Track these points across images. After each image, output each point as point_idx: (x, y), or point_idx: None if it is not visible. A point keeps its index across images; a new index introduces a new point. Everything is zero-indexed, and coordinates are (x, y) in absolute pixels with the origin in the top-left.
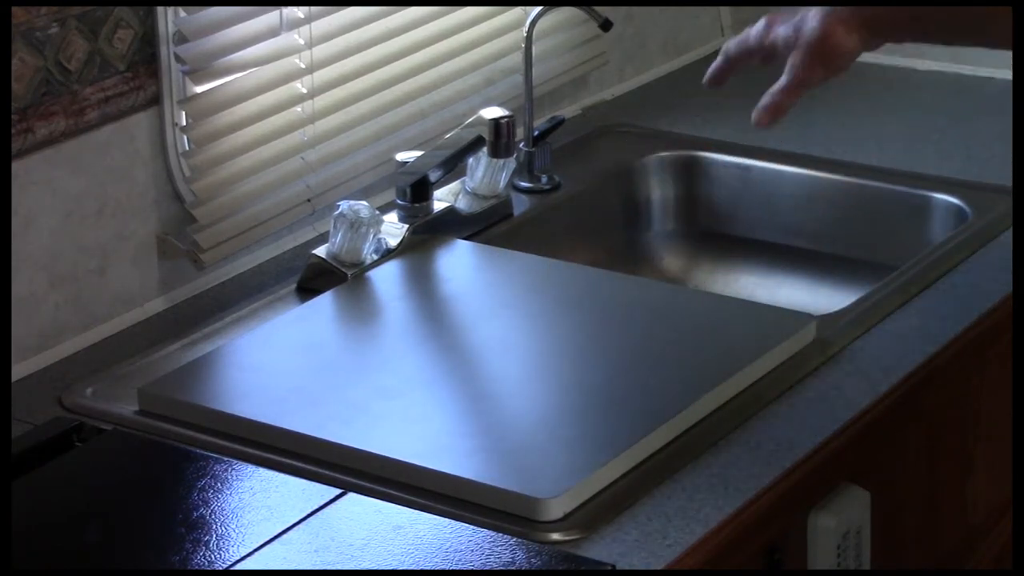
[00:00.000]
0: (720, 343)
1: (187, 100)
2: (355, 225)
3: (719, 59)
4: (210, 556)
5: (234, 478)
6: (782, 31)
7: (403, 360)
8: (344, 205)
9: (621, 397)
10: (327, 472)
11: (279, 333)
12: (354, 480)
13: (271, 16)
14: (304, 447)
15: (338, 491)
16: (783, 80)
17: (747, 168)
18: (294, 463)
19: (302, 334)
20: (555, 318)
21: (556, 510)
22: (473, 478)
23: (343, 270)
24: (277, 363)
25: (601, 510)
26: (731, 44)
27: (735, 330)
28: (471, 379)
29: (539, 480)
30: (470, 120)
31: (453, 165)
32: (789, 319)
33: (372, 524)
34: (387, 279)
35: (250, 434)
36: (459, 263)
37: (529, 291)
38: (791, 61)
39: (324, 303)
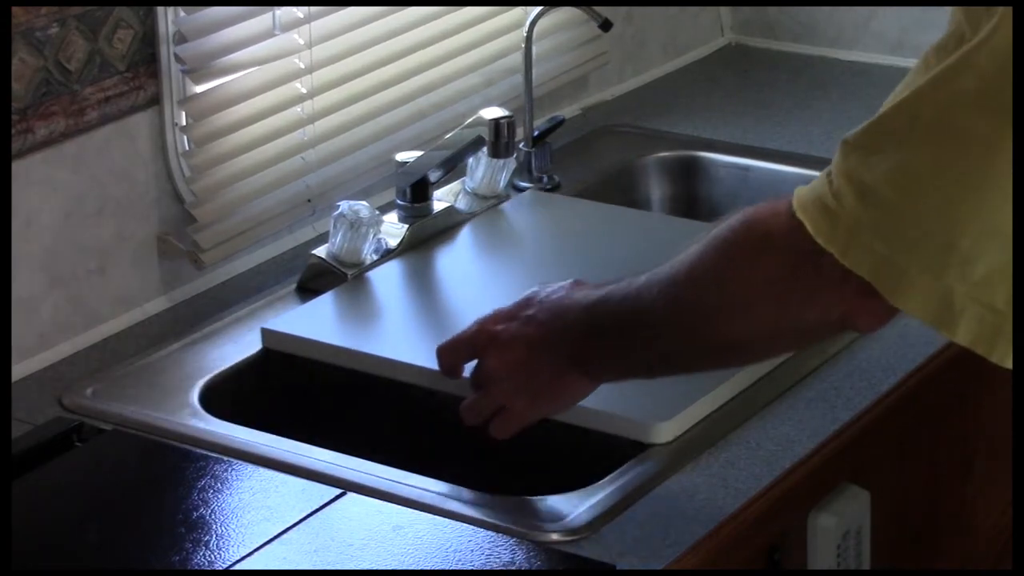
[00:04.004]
0: None
1: (187, 100)
2: (355, 225)
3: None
4: (210, 556)
5: (234, 478)
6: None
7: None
8: (344, 205)
9: None
10: (326, 472)
11: (396, 271)
12: (354, 480)
13: (271, 16)
14: (427, 379)
15: (338, 491)
16: (496, 423)
17: (747, 168)
18: (293, 465)
19: (424, 272)
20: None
21: (667, 433)
22: (593, 407)
23: (343, 270)
24: (397, 301)
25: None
26: (441, 350)
27: None
28: None
29: (652, 407)
30: (470, 120)
31: (453, 165)
32: None
33: (372, 524)
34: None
35: (373, 368)
36: (536, 216)
37: (609, 240)
38: (505, 398)
39: (431, 252)
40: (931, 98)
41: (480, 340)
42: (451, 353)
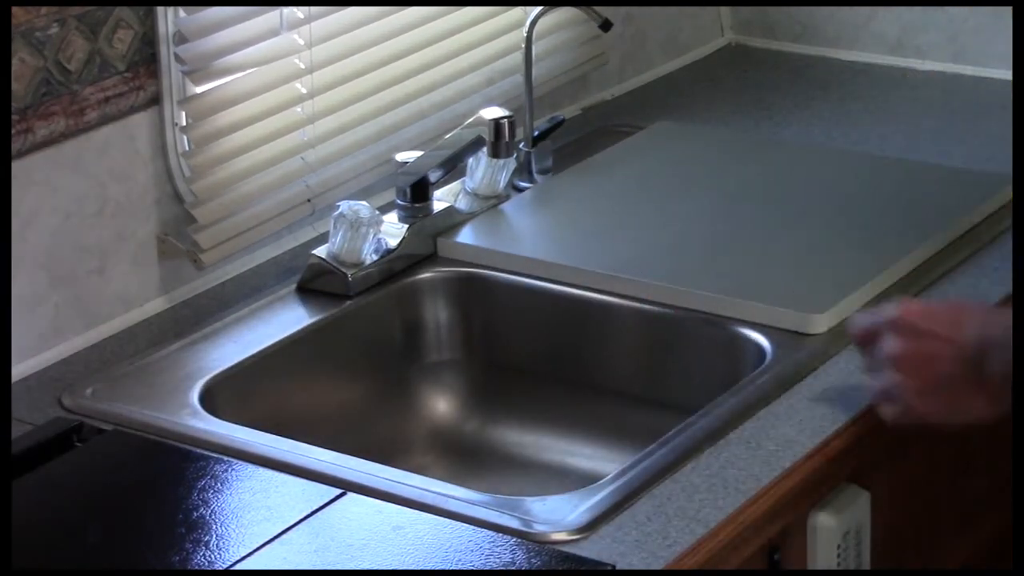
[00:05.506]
0: (926, 204)
1: (187, 100)
2: (355, 225)
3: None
4: (210, 556)
5: (234, 478)
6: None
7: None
8: (344, 205)
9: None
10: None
11: (561, 187)
12: (354, 480)
13: (271, 16)
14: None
15: (338, 491)
16: (896, 408)
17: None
18: (293, 465)
19: (583, 189)
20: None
21: (822, 324)
22: (746, 298)
23: (343, 270)
24: (566, 213)
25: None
26: (855, 325)
27: (934, 193)
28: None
29: (807, 300)
30: (470, 120)
31: (453, 165)
32: (983, 181)
33: (372, 524)
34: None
35: (544, 273)
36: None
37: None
38: (909, 394)
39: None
40: None
41: (898, 327)
42: (866, 326)
